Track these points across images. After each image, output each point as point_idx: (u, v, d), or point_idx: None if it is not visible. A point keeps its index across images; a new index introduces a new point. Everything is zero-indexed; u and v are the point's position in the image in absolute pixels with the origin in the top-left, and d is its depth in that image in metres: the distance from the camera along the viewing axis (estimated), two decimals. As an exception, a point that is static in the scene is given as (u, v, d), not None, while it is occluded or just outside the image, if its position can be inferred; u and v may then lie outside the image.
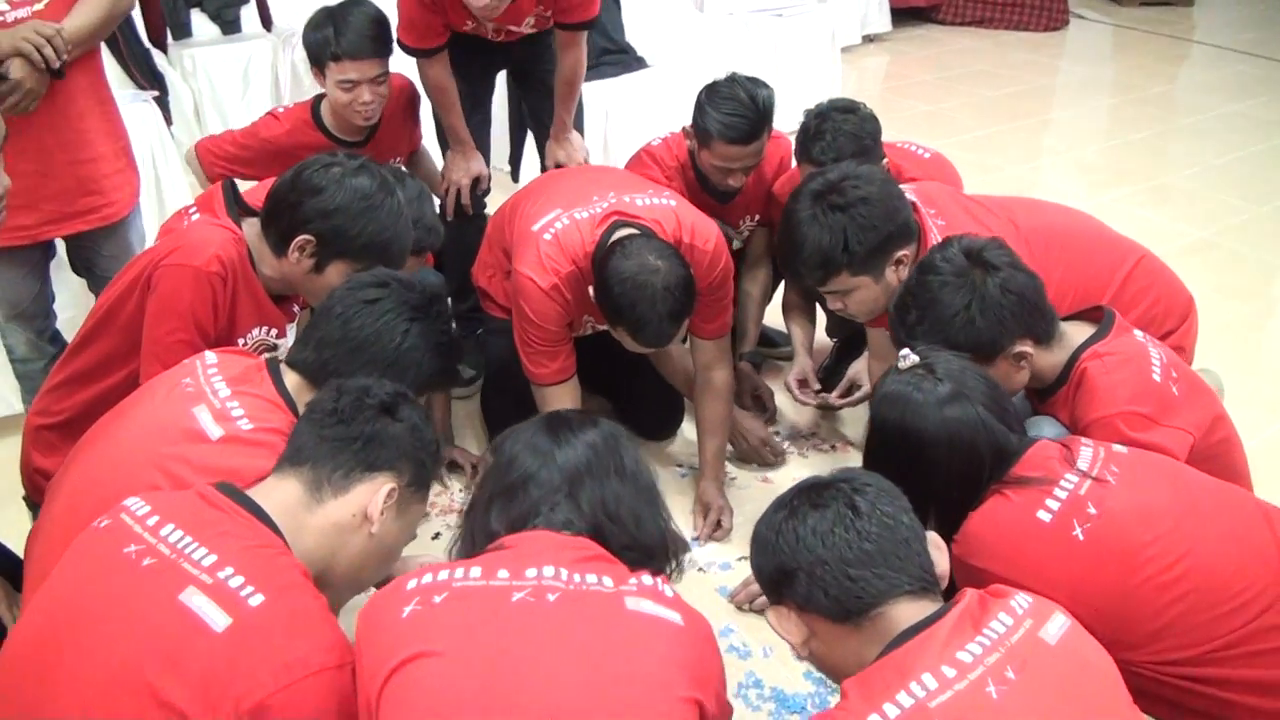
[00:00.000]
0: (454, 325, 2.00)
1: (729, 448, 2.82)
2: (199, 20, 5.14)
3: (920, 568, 1.38)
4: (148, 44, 4.59)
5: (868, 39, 6.90)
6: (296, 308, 2.37)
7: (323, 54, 2.79)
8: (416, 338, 1.89)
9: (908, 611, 1.34)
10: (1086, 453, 1.70)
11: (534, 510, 1.48)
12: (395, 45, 2.88)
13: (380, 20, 2.83)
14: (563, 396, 2.53)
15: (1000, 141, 5.35)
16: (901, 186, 2.47)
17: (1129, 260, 2.36)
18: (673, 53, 5.01)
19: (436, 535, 2.61)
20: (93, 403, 2.17)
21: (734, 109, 2.80)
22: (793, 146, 2.92)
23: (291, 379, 1.87)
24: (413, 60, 3.00)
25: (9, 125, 2.36)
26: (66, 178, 2.53)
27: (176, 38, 5.08)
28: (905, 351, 1.78)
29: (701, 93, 2.89)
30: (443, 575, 1.36)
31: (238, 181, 2.52)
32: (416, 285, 1.97)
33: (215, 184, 2.31)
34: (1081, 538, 1.60)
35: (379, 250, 2.17)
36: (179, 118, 4.75)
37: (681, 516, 2.68)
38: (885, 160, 2.81)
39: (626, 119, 4.38)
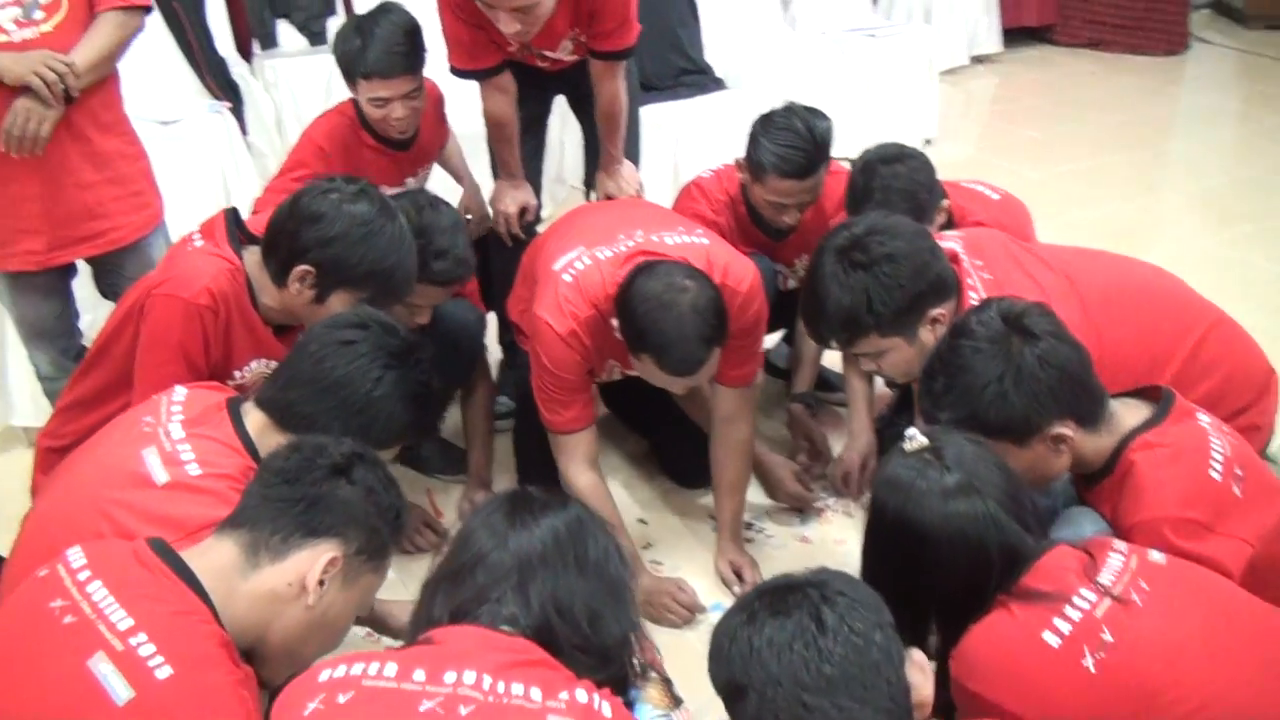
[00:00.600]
0: (432, 378, 1.87)
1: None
2: (285, 31, 5.15)
3: (890, 698, 1.20)
4: (225, 54, 4.62)
5: (976, 60, 6.61)
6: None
7: (352, 70, 2.72)
8: (389, 386, 1.79)
9: None
10: (1114, 562, 1.48)
11: (480, 598, 1.35)
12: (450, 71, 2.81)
13: (411, 31, 2.74)
14: (579, 446, 2.39)
15: (1111, 173, 5.03)
16: (951, 234, 2.30)
17: (1199, 326, 2.11)
18: (756, 73, 4.86)
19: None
20: (94, 429, 2.08)
21: (789, 140, 2.65)
22: None
23: (257, 419, 1.78)
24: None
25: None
26: (73, 203, 2.49)
27: (263, 48, 5.10)
28: (912, 431, 1.59)
29: (756, 123, 2.75)
30: (356, 669, 1.24)
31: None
32: (398, 331, 1.87)
33: (220, 211, 2.24)
34: (1092, 669, 1.37)
35: (381, 278, 2.09)
36: (258, 128, 4.75)
37: (709, 575, 2.53)
38: (946, 202, 2.62)
39: (698, 143, 4.23)
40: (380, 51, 2.67)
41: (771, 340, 3.29)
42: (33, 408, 3.02)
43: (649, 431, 2.95)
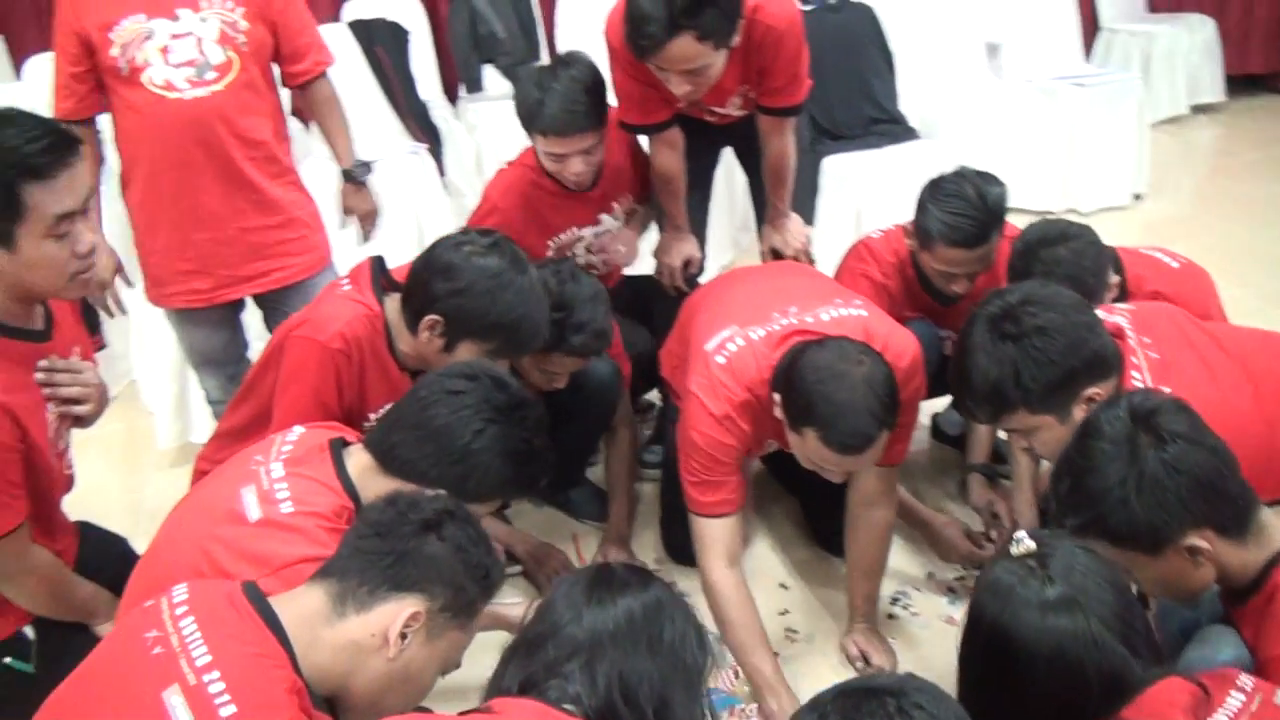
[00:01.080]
0: (537, 436, 1.87)
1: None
2: (491, 75, 5.33)
3: None
4: (427, 98, 4.82)
5: (1197, 109, 6.27)
6: None
7: (530, 124, 2.74)
8: (490, 440, 1.79)
9: None
10: (1233, 702, 1.33)
11: (549, 672, 1.35)
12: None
13: (591, 87, 2.71)
14: (722, 535, 2.26)
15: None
16: (1121, 308, 2.16)
17: None
18: (954, 123, 4.76)
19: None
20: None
21: (960, 208, 2.56)
22: None
23: (362, 460, 1.82)
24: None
25: (193, 189, 2.52)
26: (239, 244, 2.64)
27: (469, 91, 5.30)
28: (1020, 534, 1.49)
29: (924, 189, 2.66)
30: None
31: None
32: (508, 386, 1.87)
33: (367, 258, 2.33)
34: None
35: (508, 330, 2.14)
36: (458, 168, 4.94)
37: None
38: (1116, 279, 2.49)
39: (884, 194, 4.13)
40: (558, 109, 2.66)
41: (940, 404, 3.19)
42: (210, 426, 3.19)
43: (803, 494, 2.89)
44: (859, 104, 4.44)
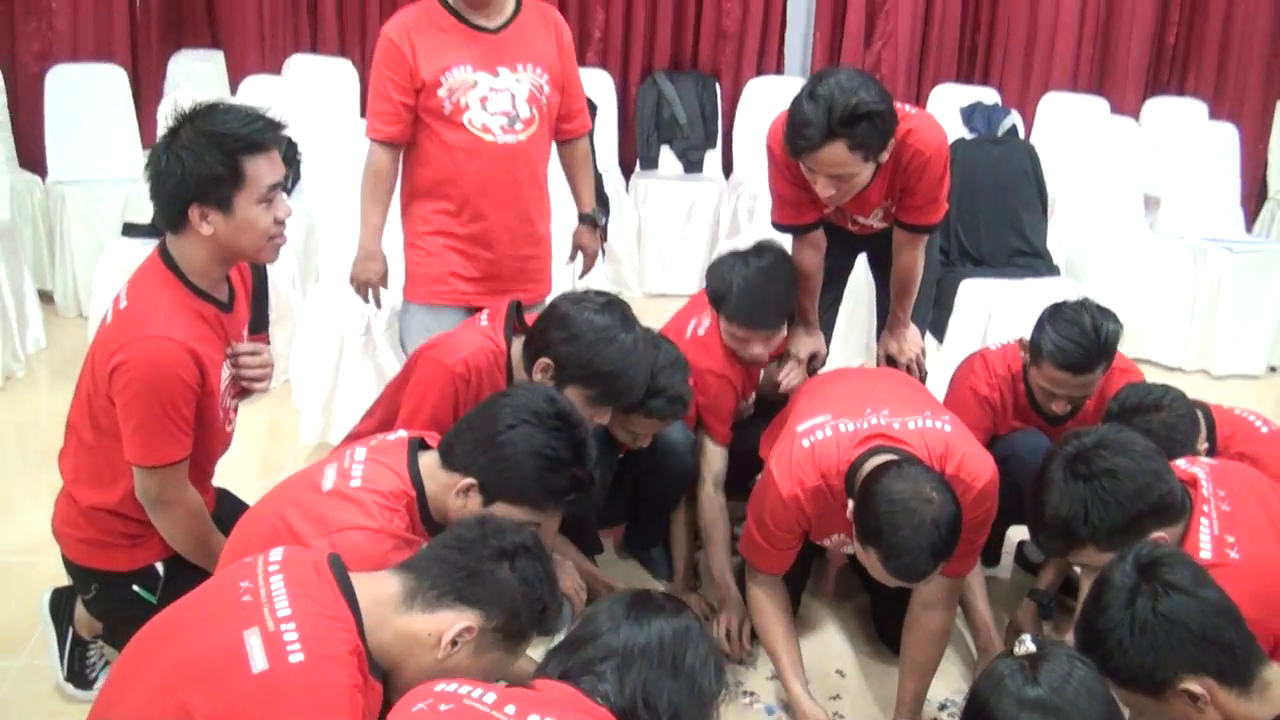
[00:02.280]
0: (582, 454, 2.06)
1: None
2: (666, 156, 5.69)
3: None
4: (602, 168, 5.17)
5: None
6: None
7: (718, 305, 2.96)
8: (520, 435, 2.00)
9: None
10: None
11: (585, 669, 1.55)
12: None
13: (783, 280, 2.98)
14: (765, 592, 2.57)
15: None
16: (1204, 461, 2.29)
17: None
18: (1102, 267, 4.91)
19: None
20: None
21: (1073, 334, 2.73)
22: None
23: (431, 457, 2.06)
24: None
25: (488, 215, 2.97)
26: (510, 265, 3.09)
27: (643, 168, 5.66)
28: (1025, 637, 1.67)
29: (1046, 309, 2.84)
30: (464, 690, 1.48)
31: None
32: (557, 401, 2.10)
33: (508, 300, 2.67)
34: None
35: (607, 380, 2.41)
36: (620, 236, 5.28)
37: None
38: (1205, 445, 2.63)
39: (1014, 323, 4.27)
40: (744, 303, 2.90)
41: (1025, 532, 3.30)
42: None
43: (873, 589, 3.01)
44: (1006, 234, 4.63)
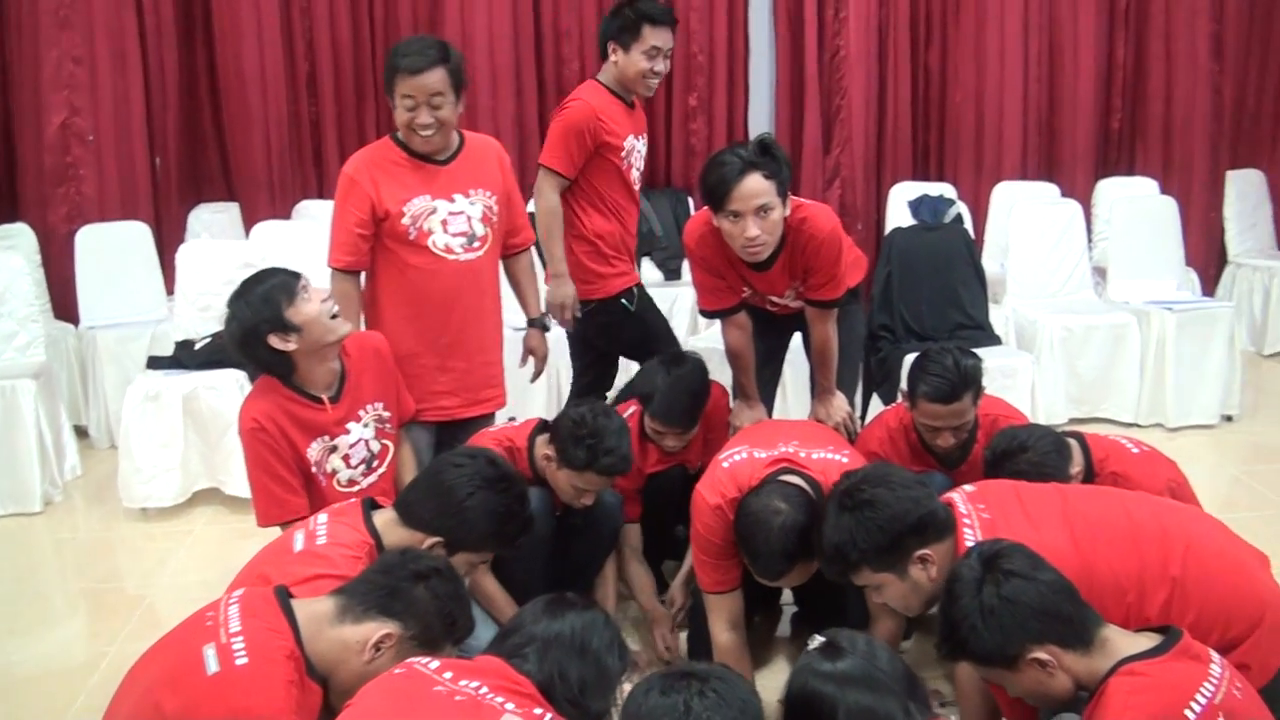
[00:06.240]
0: (524, 504, 2.57)
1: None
2: (648, 266, 6.10)
3: None
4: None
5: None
6: None
7: (645, 403, 3.41)
8: (479, 501, 2.46)
9: None
10: None
11: (512, 651, 1.93)
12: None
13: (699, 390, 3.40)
14: (723, 607, 2.87)
15: None
16: (963, 488, 2.54)
17: (1173, 560, 2.23)
18: (1051, 336, 5.23)
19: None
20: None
21: (937, 370, 3.08)
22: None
23: (387, 515, 2.50)
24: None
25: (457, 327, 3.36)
26: (480, 374, 3.47)
27: (626, 279, 6.07)
28: (814, 636, 1.95)
29: (915, 359, 3.21)
30: (420, 661, 1.88)
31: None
32: (499, 463, 2.58)
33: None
34: None
35: (599, 470, 3.00)
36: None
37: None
38: (1077, 470, 2.93)
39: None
40: (666, 406, 3.34)
41: None
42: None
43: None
44: (947, 310, 4.96)
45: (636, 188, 3.87)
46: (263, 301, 2.84)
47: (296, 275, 2.89)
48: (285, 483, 2.91)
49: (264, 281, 2.88)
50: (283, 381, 2.93)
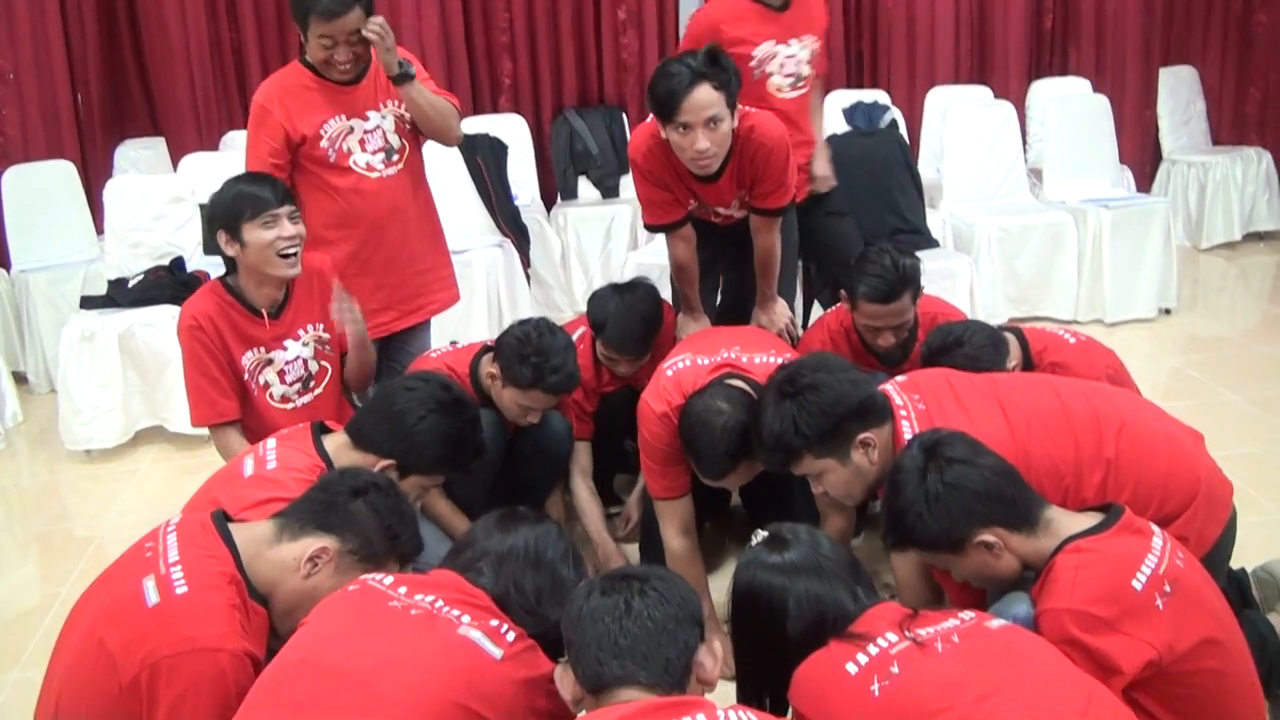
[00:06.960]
0: (476, 429, 2.55)
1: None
2: (584, 185, 6.09)
3: (664, 670, 1.64)
4: (521, 202, 5.58)
5: (1254, 236, 6.62)
6: None
7: (598, 331, 3.36)
8: (430, 424, 2.44)
9: (633, 695, 1.62)
10: (947, 623, 1.76)
11: (467, 566, 1.93)
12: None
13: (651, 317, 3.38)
14: (675, 513, 2.88)
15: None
16: (895, 379, 2.54)
17: (1107, 442, 2.28)
18: (989, 238, 5.28)
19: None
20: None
21: (876, 270, 3.09)
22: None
23: (339, 439, 2.48)
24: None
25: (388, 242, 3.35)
26: (411, 284, 3.48)
27: (563, 199, 6.06)
28: (758, 531, 2.00)
29: (854, 260, 3.22)
30: (374, 578, 1.88)
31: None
32: (451, 388, 2.55)
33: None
34: (877, 694, 1.66)
35: (545, 387, 2.99)
36: (544, 262, 5.68)
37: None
38: (1014, 364, 2.96)
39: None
40: (618, 332, 3.31)
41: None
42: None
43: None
44: (884, 214, 4.97)
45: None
46: (232, 199, 2.88)
47: (283, 202, 2.90)
48: (218, 384, 2.93)
49: (250, 184, 2.92)
50: (227, 286, 2.96)
